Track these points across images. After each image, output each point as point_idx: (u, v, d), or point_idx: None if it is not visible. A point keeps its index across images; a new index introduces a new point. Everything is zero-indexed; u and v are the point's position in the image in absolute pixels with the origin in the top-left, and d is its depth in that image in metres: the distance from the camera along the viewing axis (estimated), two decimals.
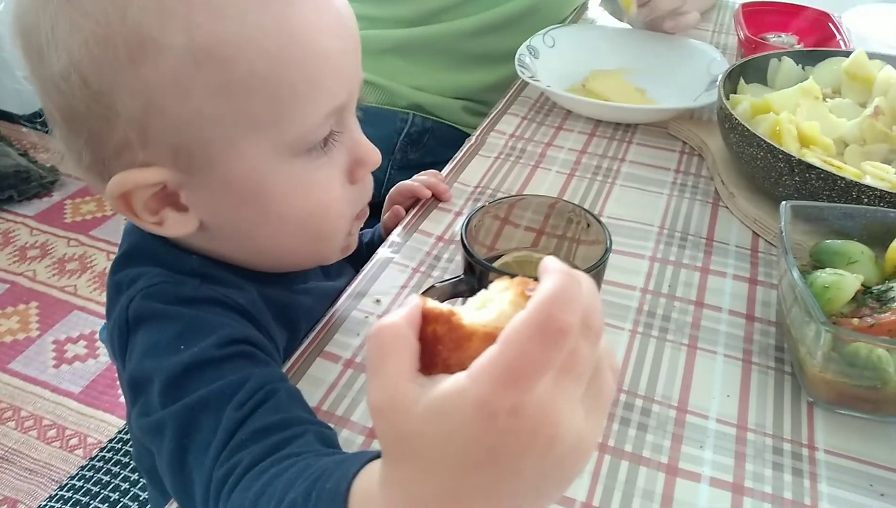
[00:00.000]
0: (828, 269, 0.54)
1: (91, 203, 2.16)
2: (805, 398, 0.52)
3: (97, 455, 1.45)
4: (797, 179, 0.63)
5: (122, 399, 1.56)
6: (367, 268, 0.64)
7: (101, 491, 1.38)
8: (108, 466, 1.43)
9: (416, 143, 1.06)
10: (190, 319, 0.46)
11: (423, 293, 0.50)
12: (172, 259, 0.50)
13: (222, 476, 0.38)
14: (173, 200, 0.46)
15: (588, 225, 0.54)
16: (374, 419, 0.27)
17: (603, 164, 0.80)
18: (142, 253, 0.51)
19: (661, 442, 0.49)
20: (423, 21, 1.05)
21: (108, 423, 1.52)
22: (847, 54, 0.81)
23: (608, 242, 0.50)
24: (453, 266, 0.64)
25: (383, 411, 0.26)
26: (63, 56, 0.41)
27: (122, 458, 1.44)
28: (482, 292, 0.28)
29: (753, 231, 0.70)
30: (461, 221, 0.69)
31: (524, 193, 0.75)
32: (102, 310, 1.78)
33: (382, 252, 0.66)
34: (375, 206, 0.85)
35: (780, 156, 0.64)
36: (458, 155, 0.81)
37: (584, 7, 1.23)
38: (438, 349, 0.27)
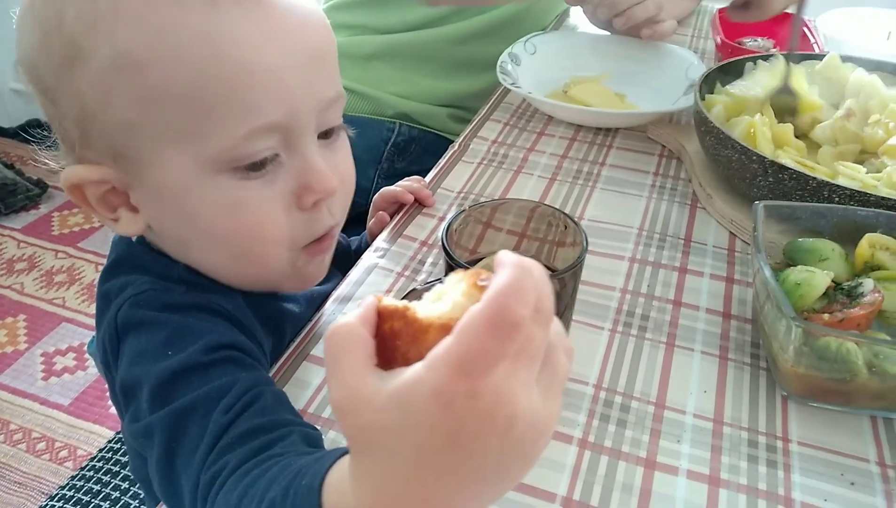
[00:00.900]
0: (800, 266, 0.56)
1: (78, 215, 2.16)
2: (779, 393, 0.53)
3: (87, 465, 1.45)
4: (771, 179, 0.65)
5: (112, 411, 1.56)
6: (353, 273, 0.65)
7: (92, 501, 1.38)
8: (99, 475, 1.43)
9: (402, 152, 1.07)
10: (177, 325, 0.46)
11: (406, 296, 0.51)
12: (159, 267, 0.51)
13: (209, 479, 0.39)
14: (126, 200, 0.48)
15: (566, 227, 0.55)
16: (336, 416, 0.27)
17: (584, 168, 0.81)
18: (129, 262, 0.52)
19: (640, 437, 0.50)
20: (408, 28, 1.07)
21: (97, 435, 1.51)
22: (821, 57, 0.83)
23: (584, 243, 0.52)
24: (437, 270, 0.65)
25: (344, 407, 0.27)
26: (23, 56, 0.45)
27: (112, 467, 1.44)
28: (437, 286, 0.29)
29: (730, 231, 0.71)
30: (443, 225, 0.71)
31: (506, 197, 0.76)
32: (91, 322, 1.78)
33: (368, 257, 0.67)
34: (361, 213, 0.86)
35: (755, 158, 0.66)
36: (442, 161, 0.82)
37: (565, 14, 1.24)
38: (397, 344, 0.27)
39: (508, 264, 0.26)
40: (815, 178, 0.62)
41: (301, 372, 0.54)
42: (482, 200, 0.75)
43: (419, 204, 0.75)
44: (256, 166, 0.46)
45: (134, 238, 0.53)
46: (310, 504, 0.31)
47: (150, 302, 0.48)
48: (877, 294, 0.53)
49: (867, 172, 0.67)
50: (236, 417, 0.41)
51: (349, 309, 0.60)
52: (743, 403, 0.53)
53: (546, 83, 0.96)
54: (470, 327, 0.24)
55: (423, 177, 0.79)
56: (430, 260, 0.67)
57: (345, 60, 0.65)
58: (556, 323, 0.29)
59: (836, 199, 0.61)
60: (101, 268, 1.88)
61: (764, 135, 0.71)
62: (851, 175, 0.66)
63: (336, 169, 0.50)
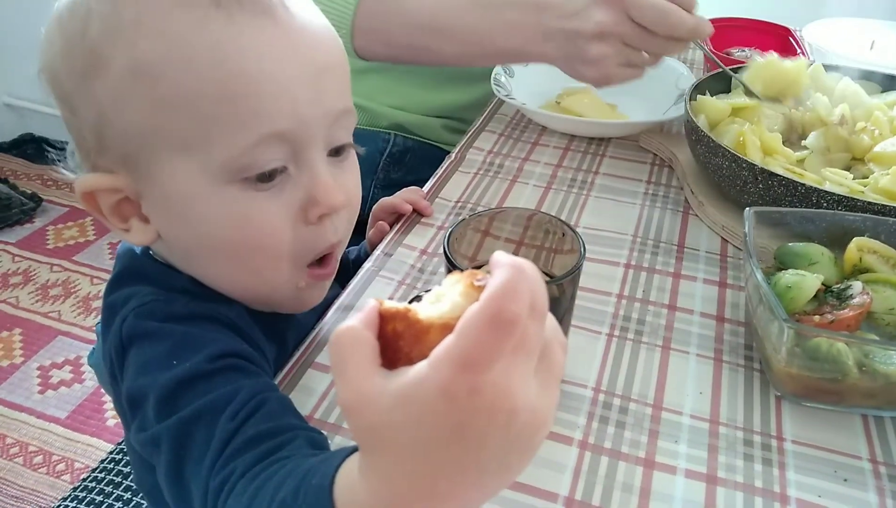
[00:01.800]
0: (790, 270, 0.58)
1: (73, 229, 2.16)
2: (773, 393, 0.55)
3: (90, 477, 1.45)
4: (761, 186, 0.67)
5: (110, 424, 1.56)
6: (354, 282, 0.66)
7: None
8: (101, 486, 1.43)
9: (398, 162, 1.09)
10: (181, 335, 0.47)
11: (410, 302, 0.52)
12: (163, 278, 0.52)
13: (218, 485, 0.40)
14: (138, 209, 0.49)
15: (563, 235, 0.57)
16: (345, 417, 0.29)
17: (578, 177, 0.83)
18: (133, 274, 0.53)
19: (639, 438, 0.51)
20: None
21: (95, 448, 1.51)
22: (807, 67, 0.85)
23: (582, 250, 0.53)
24: (437, 278, 0.67)
25: (352, 407, 0.28)
26: (46, 65, 0.47)
27: (114, 478, 1.45)
28: (435, 288, 0.31)
29: (722, 237, 0.73)
30: (444, 234, 0.72)
31: (503, 206, 0.78)
32: (87, 335, 1.79)
33: (369, 266, 0.68)
34: (360, 223, 0.87)
35: (745, 165, 0.67)
36: (439, 171, 0.84)
37: None
38: (400, 344, 0.29)
39: (504, 264, 0.27)
40: (803, 184, 0.64)
41: (306, 380, 0.55)
42: (479, 209, 0.77)
43: (417, 214, 0.76)
44: (264, 178, 0.46)
45: (139, 250, 0.54)
46: (321, 503, 0.32)
47: (153, 313, 0.48)
48: (865, 296, 0.54)
49: (853, 179, 0.69)
50: (242, 423, 0.42)
51: (352, 317, 0.61)
52: (738, 403, 0.54)
53: (539, 94, 0.97)
54: (470, 325, 0.26)
55: (420, 186, 0.80)
56: (429, 268, 0.68)
57: None
58: (551, 319, 0.30)
59: (825, 204, 0.63)
60: (96, 281, 1.89)
61: (753, 144, 0.73)
62: (839, 181, 0.68)
63: (344, 186, 0.51)
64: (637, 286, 0.66)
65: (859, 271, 0.59)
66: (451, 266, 0.52)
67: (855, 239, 0.59)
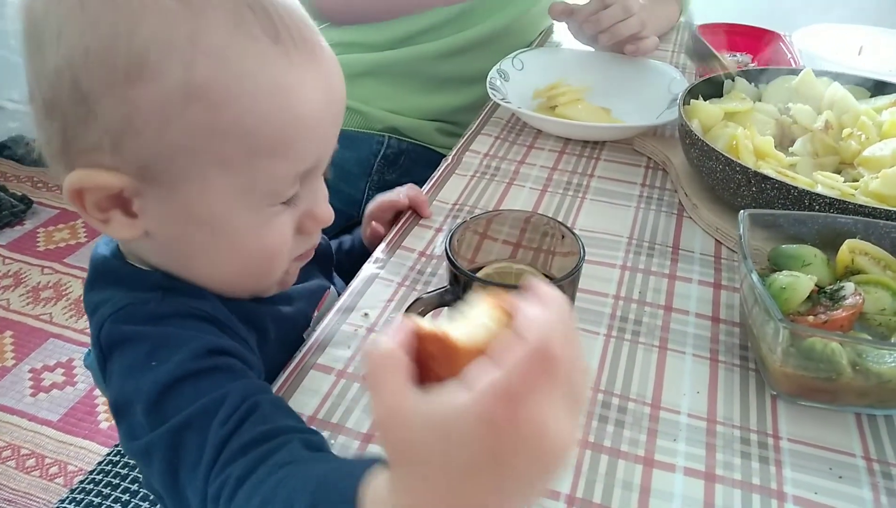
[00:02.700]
0: (784, 271, 0.59)
1: (64, 231, 2.15)
2: (769, 392, 0.56)
3: (87, 479, 1.45)
4: (754, 189, 0.68)
5: (103, 426, 1.56)
6: (354, 284, 0.67)
7: None
8: (99, 488, 1.42)
9: (392, 164, 1.09)
10: (158, 336, 0.47)
11: (412, 305, 0.53)
12: (134, 278, 0.52)
13: (216, 491, 0.40)
14: (125, 204, 0.47)
15: (563, 237, 0.58)
16: (379, 431, 0.30)
17: (573, 180, 0.84)
18: (105, 277, 0.53)
19: (638, 437, 0.52)
20: (396, 45, 1.09)
21: (88, 450, 1.51)
22: (797, 72, 0.87)
23: (582, 252, 0.54)
24: (436, 280, 0.67)
25: (385, 424, 0.30)
26: (62, 55, 0.43)
27: (112, 480, 1.44)
28: (466, 310, 0.32)
29: (716, 239, 0.74)
30: (442, 237, 0.73)
31: (501, 208, 0.78)
32: (79, 337, 1.78)
33: (368, 268, 0.69)
34: (354, 224, 0.88)
35: (738, 168, 0.69)
36: (436, 174, 0.85)
37: (549, 31, 1.28)
38: (431, 364, 0.31)
39: (543, 298, 0.29)
40: (796, 187, 0.65)
41: (308, 381, 0.56)
42: (477, 211, 0.78)
43: (415, 214, 0.77)
44: (285, 201, 0.50)
45: (108, 253, 0.54)
46: None
47: (129, 317, 0.48)
48: (858, 297, 0.56)
49: (844, 182, 0.70)
50: (236, 428, 0.42)
51: (352, 320, 0.62)
52: (734, 402, 0.55)
53: (534, 99, 0.98)
54: (517, 361, 0.28)
55: None
56: (428, 270, 0.69)
57: None
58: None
59: (817, 207, 0.64)
60: None
61: (746, 147, 0.75)
62: (830, 184, 0.69)
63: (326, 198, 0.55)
64: (633, 287, 0.67)
65: (851, 272, 0.60)
66: (453, 267, 0.53)
67: (847, 241, 0.60)
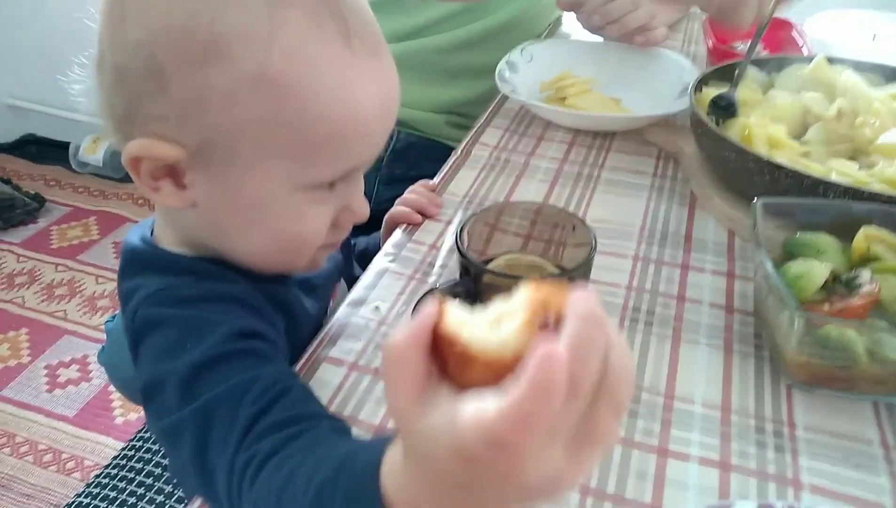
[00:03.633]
0: (799, 260, 0.58)
1: (77, 228, 2.17)
2: (783, 381, 0.55)
3: (102, 473, 1.46)
4: (767, 178, 0.67)
5: (117, 421, 1.58)
6: (365, 277, 0.67)
7: (109, 507, 1.39)
8: (114, 482, 1.44)
9: (401, 157, 1.09)
10: (191, 318, 0.48)
11: (424, 296, 0.53)
12: (166, 262, 0.53)
13: (243, 464, 0.41)
14: (177, 175, 0.49)
15: (574, 227, 0.57)
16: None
17: (584, 171, 0.84)
18: (137, 263, 0.54)
19: (652, 427, 0.52)
20: (404, 38, 1.09)
21: (103, 445, 1.52)
22: (809, 60, 0.86)
23: (593, 242, 0.54)
24: (447, 272, 0.67)
25: (397, 417, 0.30)
26: (143, 29, 0.45)
27: (127, 474, 1.46)
28: (498, 305, 0.29)
29: (729, 229, 0.73)
30: (453, 229, 0.73)
31: (511, 200, 0.78)
32: (93, 334, 1.79)
33: (379, 262, 0.69)
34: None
35: (751, 157, 0.68)
36: (446, 167, 0.85)
37: (558, 22, 1.27)
38: (448, 366, 0.29)
39: (586, 318, 0.27)
40: (810, 175, 0.64)
41: (322, 373, 0.56)
42: (487, 203, 0.77)
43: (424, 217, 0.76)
44: (328, 188, 0.51)
45: (139, 240, 0.55)
46: (368, 483, 0.33)
47: (162, 300, 0.50)
48: (874, 285, 0.55)
49: (859, 169, 0.69)
50: (268, 407, 0.43)
51: (363, 312, 0.62)
52: (749, 392, 0.55)
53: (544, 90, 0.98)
54: (508, 414, 0.25)
55: None
56: (439, 263, 0.69)
57: None
58: (612, 382, 0.28)
59: (831, 195, 0.64)
60: (101, 280, 1.90)
61: (759, 136, 0.74)
62: (845, 172, 0.69)
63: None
64: (646, 278, 0.66)
65: (867, 260, 0.59)
66: (464, 259, 0.53)
67: (863, 228, 0.60)
